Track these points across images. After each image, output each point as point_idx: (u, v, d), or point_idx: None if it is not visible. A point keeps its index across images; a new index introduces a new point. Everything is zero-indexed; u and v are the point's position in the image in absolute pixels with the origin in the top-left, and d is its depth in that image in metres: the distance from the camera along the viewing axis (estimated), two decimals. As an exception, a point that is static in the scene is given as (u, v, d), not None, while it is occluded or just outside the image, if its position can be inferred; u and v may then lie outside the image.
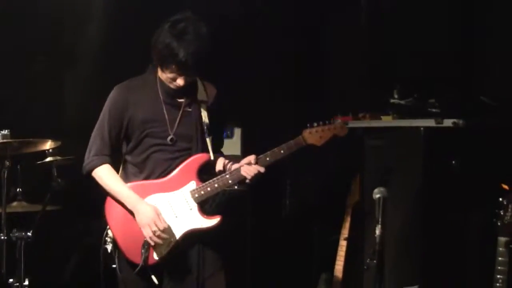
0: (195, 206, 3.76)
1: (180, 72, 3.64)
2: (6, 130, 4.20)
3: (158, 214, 3.70)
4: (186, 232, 3.74)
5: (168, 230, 3.70)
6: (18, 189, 4.76)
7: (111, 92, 3.79)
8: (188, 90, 3.78)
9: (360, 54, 5.61)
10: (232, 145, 5.12)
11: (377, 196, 3.68)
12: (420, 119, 4.70)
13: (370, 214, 4.20)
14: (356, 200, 5.23)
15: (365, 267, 3.70)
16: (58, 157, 4.68)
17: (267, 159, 3.74)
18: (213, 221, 3.77)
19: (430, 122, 4.56)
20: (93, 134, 3.78)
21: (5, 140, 4.18)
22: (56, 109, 5.42)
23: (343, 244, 5.16)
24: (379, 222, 3.60)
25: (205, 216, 3.76)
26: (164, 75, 3.70)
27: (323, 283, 5.44)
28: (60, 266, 5.42)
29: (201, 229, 3.74)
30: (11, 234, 4.30)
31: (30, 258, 4.34)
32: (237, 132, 5.74)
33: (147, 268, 3.68)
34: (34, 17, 5.17)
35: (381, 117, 5.10)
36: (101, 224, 3.81)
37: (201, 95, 3.85)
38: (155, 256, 3.71)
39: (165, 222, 3.71)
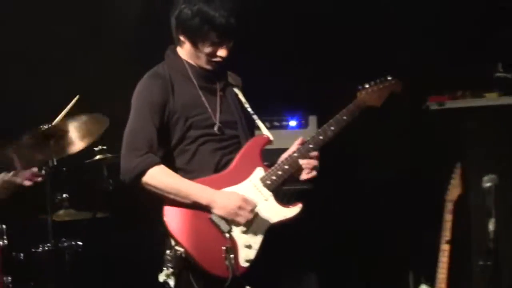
0: (269, 195, 3.68)
1: (222, 38, 3.59)
2: (48, 125, 4.13)
3: (244, 196, 3.60)
4: (271, 225, 3.64)
5: (252, 226, 3.61)
6: (64, 195, 4.83)
7: (141, 82, 3.69)
8: (219, 74, 3.77)
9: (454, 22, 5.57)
10: (307, 135, 4.92)
11: (488, 184, 3.63)
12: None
13: (478, 208, 4.21)
14: (459, 193, 4.95)
15: (477, 269, 3.71)
16: (109, 155, 4.72)
17: (331, 128, 3.71)
18: (295, 209, 3.68)
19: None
20: (128, 132, 3.62)
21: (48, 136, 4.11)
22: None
23: (445, 248, 4.89)
24: (493, 215, 3.55)
25: (284, 205, 3.68)
26: (199, 54, 3.66)
27: None
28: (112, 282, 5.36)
29: (284, 220, 3.65)
30: (59, 244, 4.37)
31: (79, 270, 4.44)
32: (312, 120, 5.75)
33: (238, 279, 3.52)
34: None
35: (485, 94, 5.05)
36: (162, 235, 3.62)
37: (231, 79, 3.86)
38: (244, 263, 3.57)
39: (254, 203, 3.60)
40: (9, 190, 4.04)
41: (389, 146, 5.78)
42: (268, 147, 3.78)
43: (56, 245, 4.31)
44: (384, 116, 4.26)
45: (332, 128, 3.72)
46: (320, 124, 5.14)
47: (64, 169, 4.70)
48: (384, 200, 5.85)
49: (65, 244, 4.51)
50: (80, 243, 4.55)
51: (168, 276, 3.51)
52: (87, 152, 4.68)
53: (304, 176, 3.71)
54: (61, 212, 4.77)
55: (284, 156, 3.74)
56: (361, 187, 5.90)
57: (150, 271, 3.67)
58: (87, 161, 4.73)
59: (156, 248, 3.62)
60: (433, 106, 5.52)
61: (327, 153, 3.91)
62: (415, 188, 5.66)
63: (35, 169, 4.04)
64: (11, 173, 4.00)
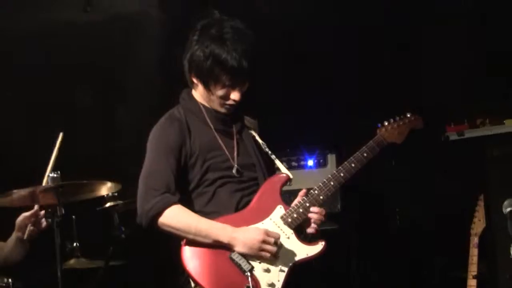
0: (291, 233, 3.79)
1: (234, 80, 3.74)
2: (56, 173, 4.13)
3: (266, 229, 3.72)
4: (293, 264, 3.73)
5: (275, 264, 3.70)
6: (75, 244, 4.91)
7: (157, 125, 3.84)
8: (235, 117, 3.93)
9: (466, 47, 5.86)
10: (327, 174, 5.16)
11: (509, 209, 3.74)
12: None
13: (502, 236, 4.37)
14: (483, 227, 5.20)
15: None
16: (120, 201, 4.87)
17: (352, 165, 3.90)
18: (318, 247, 3.80)
19: None
20: (145, 174, 3.74)
21: (55, 184, 4.08)
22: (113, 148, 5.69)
23: (472, 284, 5.03)
24: None
25: (306, 243, 3.80)
26: (212, 97, 3.81)
27: None
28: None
29: (307, 258, 3.76)
30: None
31: None
32: (331, 158, 5.93)
33: None
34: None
35: (504, 121, 5.26)
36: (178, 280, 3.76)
37: (247, 121, 4.02)
38: None
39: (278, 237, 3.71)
40: (24, 245, 4.18)
41: (413, 181, 6.06)
42: (287, 188, 3.91)
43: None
44: (404, 152, 4.48)
45: (353, 165, 3.90)
46: (339, 162, 5.51)
47: (74, 217, 4.85)
48: (410, 236, 6.05)
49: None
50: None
51: None
52: (98, 199, 4.82)
53: (311, 229, 3.82)
54: (72, 261, 4.88)
55: (302, 193, 3.86)
56: (387, 223, 6.15)
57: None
58: (98, 208, 4.88)
59: None
60: (453, 136, 5.70)
61: (352, 191, 4.16)
62: (442, 223, 5.84)
63: (38, 210, 4.14)
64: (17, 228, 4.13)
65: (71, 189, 4.19)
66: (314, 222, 3.83)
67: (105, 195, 4.83)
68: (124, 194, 4.81)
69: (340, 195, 5.68)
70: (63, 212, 4.09)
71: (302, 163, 6.09)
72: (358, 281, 5.87)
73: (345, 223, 5.73)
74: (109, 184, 4.47)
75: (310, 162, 6.09)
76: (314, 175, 5.80)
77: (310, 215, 3.83)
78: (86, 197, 4.46)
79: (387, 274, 6.01)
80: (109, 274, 4.95)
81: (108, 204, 4.90)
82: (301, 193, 3.89)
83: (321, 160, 6.00)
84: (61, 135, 4.39)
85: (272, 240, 3.68)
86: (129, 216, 4.57)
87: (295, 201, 3.87)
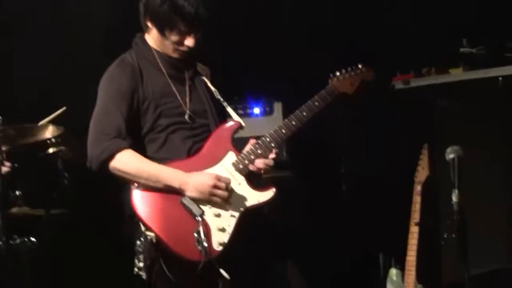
0: (242, 179, 3.90)
1: (190, 27, 3.81)
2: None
3: (217, 174, 3.80)
4: (244, 210, 3.85)
5: (225, 209, 3.81)
6: (17, 192, 4.88)
7: (109, 70, 3.89)
8: (188, 63, 4.01)
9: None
10: (273, 122, 5.47)
11: (451, 156, 3.80)
12: (497, 67, 5.06)
13: (444, 183, 4.16)
14: (427, 175, 5.26)
15: (442, 242, 3.83)
16: (63, 147, 4.88)
17: (303, 114, 3.99)
18: (269, 193, 3.91)
19: (510, 70, 4.93)
20: (95, 119, 3.80)
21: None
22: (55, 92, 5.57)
23: (414, 230, 5.18)
24: (456, 187, 3.72)
25: (257, 189, 3.90)
26: (166, 42, 3.88)
27: (392, 280, 5.43)
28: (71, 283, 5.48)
29: (258, 204, 3.88)
30: (11, 241, 4.49)
31: (33, 270, 4.64)
32: (277, 107, 6.08)
33: (212, 262, 3.68)
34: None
35: (449, 70, 5.40)
36: (126, 228, 3.83)
37: (199, 68, 4.11)
38: (217, 246, 3.74)
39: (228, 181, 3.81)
40: None
41: (361, 132, 6.18)
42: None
43: (7, 243, 4.25)
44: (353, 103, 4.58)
45: (305, 113, 4.00)
46: (285, 111, 5.88)
47: (16, 165, 4.73)
48: (356, 184, 6.24)
49: (17, 241, 4.69)
50: (33, 239, 4.76)
51: (140, 268, 3.70)
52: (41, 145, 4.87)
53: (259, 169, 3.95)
54: (14, 209, 4.86)
55: (253, 141, 3.97)
56: (337, 174, 6.27)
57: (119, 265, 4.00)
58: (41, 154, 4.89)
59: (124, 242, 3.81)
60: (399, 85, 5.84)
61: (303, 142, 4.34)
62: (387, 172, 5.98)
63: None
64: None
65: (13, 134, 4.35)
66: (264, 168, 3.94)
67: (48, 141, 4.87)
68: (67, 139, 4.89)
69: (286, 144, 5.78)
70: (4, 157, 4.17)
71: (248, 111, 6.21)
72: (309, 228, 5.99)
73: (293, 171, 5.96)
74: (51, 127, 4.65)
75: (256, 110, 6.22)
76: (260, 123, 5.95)
77: (259, 161, 3.93)
78: (28, 142, 4.62)
79: (335, 223, 6.15)
80: (53, 223, 5.04)
81: (51, 150, 4.91)
82: (252, 141, 3.99)
83: (267, 108, 6.13)
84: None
85: (223, 185, 3.79)
86: (73, 162, 4.79)
87: (247, 148, 3.97)
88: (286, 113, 5.51)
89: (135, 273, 3.69)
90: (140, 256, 3.70)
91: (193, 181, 3.77)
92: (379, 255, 5.93)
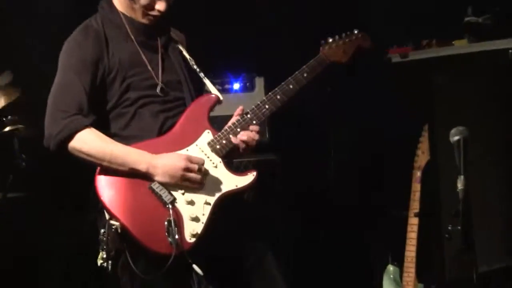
0: (219, 161, 3.83)
1: None
2: None
3: (188, 155, 3.74)
4: (221, 196, 3.77)
5: (199, 196, 3.73)
6: None
7: (71, 38, 3.82)
8: (161, 29, 3.95)
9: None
10: (254, 99, 5.29)
11: (456, 138, 3.69)
12: (505, 39, 4.94)
13: (447, 168, 4.42)
14: (427, 159, 5.19)
15: (446, 235, 3.71)
16: (20, 125, 4.84)
17: (290, 87, 3.91)
18: (249, 177, 3.84)
19: (520, 42, 4.84)
20: (54, 92, 3.73)
21: None
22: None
23: (413, 222, 5.08)
24: (462, 172, 3.59)
25: (235, 173, 3.84)
26: (135, 6, 3.81)
27: (390, 278, 5.37)
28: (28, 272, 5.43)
29: (236, 190, 3.80)
30: None
31: None
32: (259, 82, 5.99)
33: (183, 256, 3.61)
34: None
35: (453, 42, 5.26)
36: (91, 215, 3.79)
37: (174, 35, 4.04)
38: (190, 238, 3.66)
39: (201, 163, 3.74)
40: None
41: (351, 109, 6.08)
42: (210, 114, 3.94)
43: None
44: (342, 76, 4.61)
45: (291, 86, 3.92)
46: (268, 86, 5.79)
47: None
48: (346, 170, 6.14)
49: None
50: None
51: (104, 259, 3.62)
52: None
53: (242, 149, 3.87)
54: None
55: (233, 120, 3.90)
56: (325, 157, 6.19)
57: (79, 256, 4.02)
58: None
59: (85, 229, 3.84)
60: (396, 59, 5.72)
61: (287, 121, 4.17)
62: (383, 157, 5.91)
63: None
64: None
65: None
66: (247, 141, 3.85)
67: (4, 119, 4.84)
68: (26, 117, 4.85)
69: (268, 123, 5.76)
70: None
71: (227, 86, 6.12)
72: (294, 217, 5.97)
73: (276, 153, 5.83)
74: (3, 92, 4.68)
75: (236, 86, 6.14)
76: (241, 99, 5.82)
77: (240, 138, 3.85)
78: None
79: (323, 212, 6.12)
80: (8, 207, 5.02)
81: (7, 128, 4.89)
82: (233, 118, 3.92)
83: (247, 84, 6.06)
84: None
85: (195, 166, 3.70)
86: (32, 144, 4.57)
87: (225, 126, 3.90)
88: (268, 89, 5.03)
89: (99, 264, 3.63)
90: (104, 247, 3.62)
91: (162, 163, 3.68)
92: (373, 250, 5.89)
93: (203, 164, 3.74)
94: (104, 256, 3.63)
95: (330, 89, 5.95)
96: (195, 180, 3.71)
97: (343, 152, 6.19)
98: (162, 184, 3.68)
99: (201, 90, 4.06)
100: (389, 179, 5.75)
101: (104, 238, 3.62)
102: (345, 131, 6.20)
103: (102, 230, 3.64)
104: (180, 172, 3.68)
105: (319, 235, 6.11)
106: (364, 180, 6.05)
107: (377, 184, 5.94)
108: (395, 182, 5.57)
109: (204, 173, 3.75)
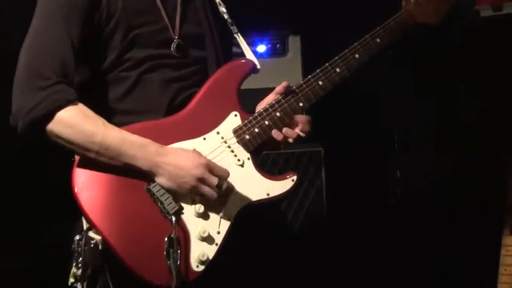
0: (247, 158, 3.64)
1: None
2: None
3: (208, 161, 3.58)
4: (245, 207, 3.59)
5: (216, 206, 3.56)
6: None
7: None
8: None
9: None
10: (287, 67, 5.42)
11: None
12: None
13: None
14: None
15: None
16: None
17: (355, 56, 3.76)
18: (286, 183, 3.64)
19: None
20: (29, 49, 3.56)
21: None
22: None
23: (506, 281, 4.87)
24: None
25: (268, 175, 3.63)
26: None
27: None
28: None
29: (267, 200, 3.61)
30: None
31: None
32: (294, 43, 5.74)
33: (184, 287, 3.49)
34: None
35: None
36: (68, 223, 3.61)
37: None
38: (197, 265, 3.50)
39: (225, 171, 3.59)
40: None
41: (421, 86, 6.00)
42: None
43: None
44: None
45: (357, 56, 3.72)
46: (305, 49, 5.64)
47: None
48: (413, 167, 6.05)
49: None
50: None
51: (76, 277, 3.42)
52: None
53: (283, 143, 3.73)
54: None
55: (271, 99, 3.70)
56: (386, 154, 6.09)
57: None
58: None
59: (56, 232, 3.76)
60: (486, 12, 5.54)
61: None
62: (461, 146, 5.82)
63: None
64: None
65: None
66: (287, 141, 3.69)
67: None
68: None
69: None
70: None
71: (251, 49, 5.82)
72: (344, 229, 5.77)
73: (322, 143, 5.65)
74: None
75: (261, 48, 5.90)
76: (268, 68, 5.49)
77: (285, 130, 3.66)
78: None
79: (383, 226, 6.02)
80: None
81: None
82: (271, 95, 3.74)
83: (278, 45, 5.80)
84: None
85: (214, 181, 3.47)
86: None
87: (259, 108, 3.70)
88: (307, 53, 5.63)
89: (69, 283, 3.44)
90: (78, 260, 3.45)
91: (169, 163, 3.47)
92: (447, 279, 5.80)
93: (226, 178, 3.54)
94: (78, 273, 3.44)
95: (392, 52, 5.72)
96: (210, 197, 3.49)
97: (412, 142, 6.07)
98: (164, 188, 3.47)
99: (230, 51, 3.90)
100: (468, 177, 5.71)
101: (79, 249, 3.45)
102: (412, 115, 6.08)
103: (77, 237, 3.46)
104: (193, 182, 3.46)
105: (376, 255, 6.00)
106: (436, 184, 5.96)
107: (448, 190, 5.86)
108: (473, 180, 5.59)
109: (227, 177, 3.57)
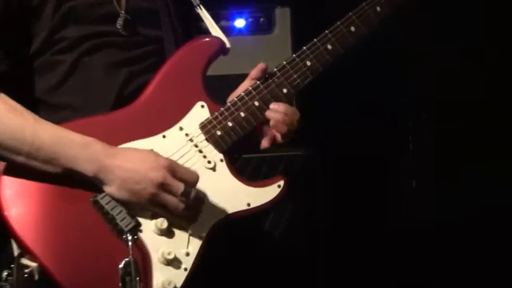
0: (219, 159, 3.44)
1: None
2: None
3: (172, 161, 3.41)
4: (221, 221, 3.39)
5: (182, 221, 3.36)
6: None
7: None
8: None
9: None
10: (274, 46, 5.27)
11: None
12: None
13: None
14: None
15: None
16: None
17: (351, 29, 3.60)
18: (270, 191, 3.47)
19: None
20: None
21: None
22: None
23: None
24: None
25: (247, 181, 3.44)
26: None
27: None
28: None
29: (248, 211, 3.43)
30: None
31: None
32: (282, 15, 5.51)
33: None
34: None
35: None
36: None
37: None
38: None
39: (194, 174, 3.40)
40: None
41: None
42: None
43: None
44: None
45: (353, 29, 3.57)
46: (297, 24, 5.43)
47: None
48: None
49: None
50: None
51: None
52: None
53: (269, 137, 3.56)
54: None
55: (247, 85, 3.58)
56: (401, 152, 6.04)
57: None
58: None
59: None
60: None
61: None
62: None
63: None
64: None
65: None
66: (269, 140, 3.54)
67: None
68: None
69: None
70: None
71: (224, 24, 5.58)
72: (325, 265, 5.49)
73: (315, 146, 5.38)
74: None
75: (240, 23, 5.59)
76: (249, 46, 5.45)
77: (268, 115, 3.53)
78: None
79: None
80: None
81: None
82: (246, 82, 3.61)
83: (261, 19, 5.52)
84: None
85: (179, 187, 3.26)
86: None
87: (232, 97, 3.55)
88: (297, 29, 5.39)
89: None
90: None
91: (121, 168, 3.27)
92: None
93: (195, 183, 3.32)
94: None
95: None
96: (174, 208, 3.29)
97: (424, 145, 6.04)
98: (116, 199, 3.26)
99: (189, 29, 3.80)
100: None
101: (10, 278, 3.33)
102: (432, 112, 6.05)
103: (6, 273, 3.31)
104: (151, 189, 3.25)
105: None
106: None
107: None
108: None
109: (197, 182, 3.38)
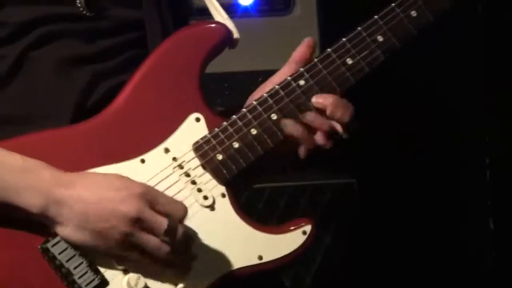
0: (220, 194, 3.03)
1: None
2: None
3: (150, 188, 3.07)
4: (221, 279, 3.03)
5: (167, 274, 3.03)
6: None
7: None
8: None
9: None
10: (294, 29, 5.16)
11: None
12: None
13: None
14: None
15: None
16: None
17: (412, 14, 3.22)
18: (294, 237, 3.13)
19: None
20: None
21: None
22: None
23: None
24: None
25: (260, 225, 3.06)
26: None
27: None
28: None
29: (260, 267, 3.08)
30: None
31: None
32: None
33: None
34: None
35: None
36: None
37: None
38: None
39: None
40: None
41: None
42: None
43: None
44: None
45: (413, 13, 3.19)
46: (323, 4, 5.32)
47: None
48: None
49: None
50: None
51: None
52: None
53: (309, 145, 3.09)
54: None
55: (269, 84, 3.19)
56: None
57: None
58: None
59: None
60: None
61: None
62: None
63: None
64: None
65: None
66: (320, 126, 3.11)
67: None
68: None
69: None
70: None
71: (226, 1, 5.24)
72: None
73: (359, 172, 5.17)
74: None
75: (246, 0, 5.27)
76: (261, 34, 5.23)
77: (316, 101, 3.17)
78: None
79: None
80: None
81: None
82: (285, 68, 3.21)
83: None
84: None
85: (160, 222, 2.91)
86: None
87: (248, 103, 3.14)
88: (326, 10, 5.29)
89: None
90: None
91: (80, 200, 2.94)
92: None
93: (182, 217, 2.95)
94: None
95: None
96: (156, 253, 2.91)
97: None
98: (73, 244, 2.91)
99: (183, 11, 3.48)
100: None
101: None
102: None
103: None
104: (123, 227, 2.88)
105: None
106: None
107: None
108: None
109: (184, 217, 3.04)
